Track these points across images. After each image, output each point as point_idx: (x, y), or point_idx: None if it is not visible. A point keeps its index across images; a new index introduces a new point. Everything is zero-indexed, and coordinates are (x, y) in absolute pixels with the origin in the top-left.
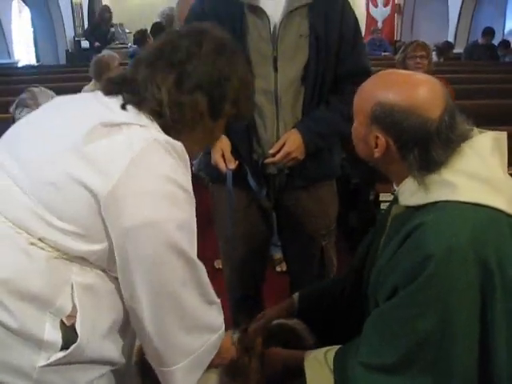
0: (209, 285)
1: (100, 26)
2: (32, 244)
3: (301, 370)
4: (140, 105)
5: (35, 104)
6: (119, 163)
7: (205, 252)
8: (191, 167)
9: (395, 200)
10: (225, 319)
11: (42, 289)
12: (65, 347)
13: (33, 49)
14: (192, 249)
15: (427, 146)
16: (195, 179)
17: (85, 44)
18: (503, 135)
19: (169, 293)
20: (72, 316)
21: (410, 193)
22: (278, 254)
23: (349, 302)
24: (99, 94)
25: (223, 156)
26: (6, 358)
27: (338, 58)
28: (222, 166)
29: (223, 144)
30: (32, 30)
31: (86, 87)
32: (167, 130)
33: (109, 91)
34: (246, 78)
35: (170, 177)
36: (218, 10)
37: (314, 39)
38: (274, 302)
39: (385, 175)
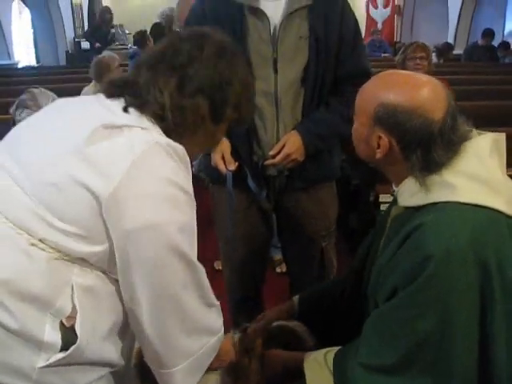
0: (209, 287)
1: (101, 27)
2: (33, 245)
3: (301, 372)
4: (142, 108)
5: (35, 105)
6: (120, 165)
7: (205, 253)
8: (191, 168)
9: (394, 201)
10: (224, 320)
11: (42, 290)
12: (64, 348)
13: (33, 50)
14: (193, 251)
15: (430, 147)
16: (195, 180)
17: (85, 45)
18: (502, 136)
19: (170, 295)
20: (72, 317)
21: (409, 193)
22: (278, 256)
23: (349, 304)
24: (101, 96)
25: (223, 157)
26: (5, 358)
27: (337, 59)
28: (222, 167)
29: (223, 145)
30: (32, 31)
31: (85, 88)
32: (169, 133)
33: (111, 94)
34: (247, 81)
35: (171, 179)
36: (218, 11)
37: (313, 41)
38: (274, 303)
39: (385, 176)
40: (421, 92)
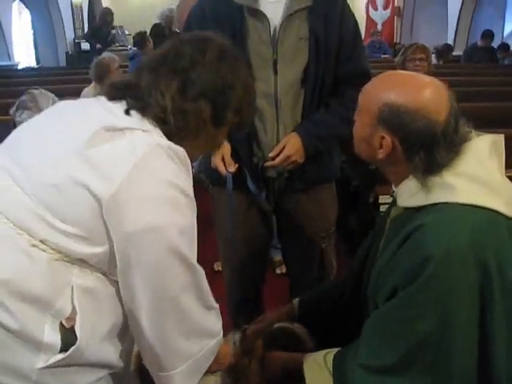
0: (208, 290)
1: (101, 28)
2: (33, 246)
3: (300, 373)
4: (144, 111)
5: (35, 106)
6: (122, 168)
7: (204, 254)
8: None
9: (394, 202)
10: (224, 322)
11: (42, 290)
12: (64, 349)
13: (33, 51)
14: (193, 254)
15: (432, 149)
16: (195, 181)
17: (85, 46)
18: (500, 138)
19: (169, 298)
20: (71, 318)
21: (409, 194)
22: (277, 257)
23: (348, 305)
24: (102, 98)
25: (223, 159)
26: (5, 359)
27: (337, 60)
28: (222, 169)
29: (223, 147)
30: (32, 32)
31: (85, 89)
32: (170, 136)
33: (112, 96)
34: (248, 85)
35: (172, 182)
36: (218, 12)
37: (313, 42)
38: (274, 304)
39: (384, 177)
40: (424, 93)
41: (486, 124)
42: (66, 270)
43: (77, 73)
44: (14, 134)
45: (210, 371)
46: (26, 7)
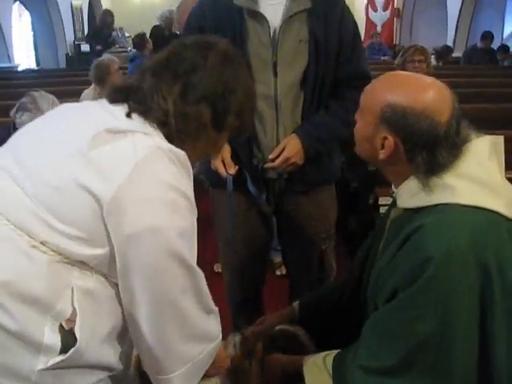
0: (208, 293)
1: (102, 30)
2: (34, 247)
3: (300, 376)
4: (146, 114)
5: (35, 108)
6: (122, 170)
7: (204, 255)
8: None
9: (393, 203)
10: (224, 323)
11: (42, 292)
12: (64, 351)
13: (33, 52)
14: (192, 257)
15: (435, 149)
16: (195, 182)
17: (84, 48)
18: (500, 139)
19: (169, 300)
20: (71, 320)
21: (409, 195)
22: (277, 258)
23: (348, 307)
24: (104, 101)
25: (223, 161)
26: (5, 360)
27: (337, 62)
28: (222, 171)
29: (223, 149)
30: (32, 33)
31: (85, 91)
32: (171, 139)
33: (114, 99)
34: (249, 90)
35: (172, 184)
36: (218, 14)
37: (313, 44)
38: (274, 305)
39: (384, 178)
40: (428, 94)
41: (485, 125)
42: (67, 272)
43: (77, 74)
44: (17, 135)
45: (207, 375)
46: (26, 9)
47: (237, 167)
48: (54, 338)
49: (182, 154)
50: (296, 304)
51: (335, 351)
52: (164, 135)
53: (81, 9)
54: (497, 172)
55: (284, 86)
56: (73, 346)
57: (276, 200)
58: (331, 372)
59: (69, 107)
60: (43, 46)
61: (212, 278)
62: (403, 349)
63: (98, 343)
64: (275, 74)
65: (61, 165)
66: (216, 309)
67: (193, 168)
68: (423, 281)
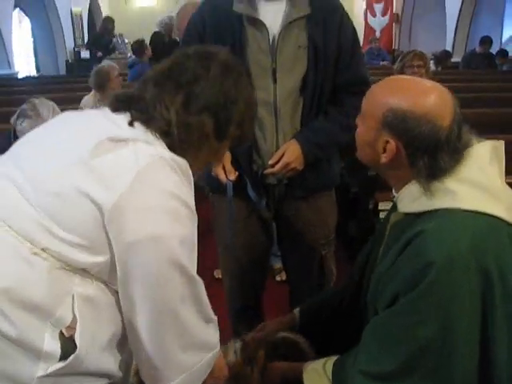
0: (207, 302)
1: (103, 36)
2: (35, 254)
3: (300, 382)
4: (148, 123)
5: (35, 115)
6: (124, 178)
7: (204, 261)
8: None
9: (394, 208)
10: (224, 329)
11: (43, 299)
12: (63, 358)
13: (33, 59)
14: (192, 265)
15: (436, 154)
16: (195, 189)
17: (84, 54)
18: (501, 144)
19: (169, 309)
20: (71, 327)
21: (410, 199)
22: (277, 264)
23: (348, 312)
24: (106, 110)
25: (223, 167)
26: (5, 367)
27: (336, 68)
28: (222, 177)
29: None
30: (32, 40)
31: (85, 97)
32: (173, 148)
33: (116, 108)
34: (250, 100)
35: (173, 193)
36: (217, 21)
37: (312, 50)
38: (274, 311)
39: (384, 183)
40: (429, 98)
41: (484, 130)
42: (67, 279)
43: (77, 81)
44: (18, 144)
45: None
46: (26, 15)
47: (237, 173)
48: (53, 345)
49: (183, 162)
50: (297, 311)
51: (335, 357)
52: (166, 145)
53: (81, 16)
54: (497, 177)
55: (283, 92)
56: (73, 352)
57: (276, 205)
58: (331, 378)
59: (70, 115)
60: (43, 53)
61: (212, 284)
62: (404, 353)
63: (97, 350)
64: (274, 81)
65: (62, 173)
66: (215, 318)
67: (194, 176)
68: (424, 286)
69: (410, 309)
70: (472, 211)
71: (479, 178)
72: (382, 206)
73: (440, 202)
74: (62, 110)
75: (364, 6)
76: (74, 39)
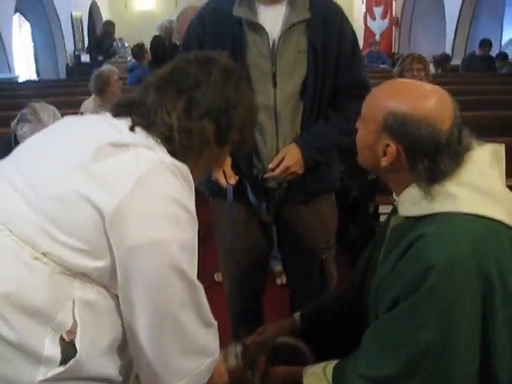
0: (207, 307)
1: (103, 40)
2: (36, 259)
3: None
4: (149, 128)
5: (36, 119)
6: (125, 183)
7: (205, 265)
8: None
9: (394, 211)
10: (225, 332)
11: (43, 303)
12: (63, 362)
13: (33, 63)
14: (193, 270)
15: (436, 157)
16: (196, 193)
17: (85, 58)
18: (501, 147)
19: (169, 314)
20: (72, 332)
21: (411, 203)
22: (278, 267)
23: (349, 316)
24: (108, 115)
25: (224, 171)
26: (5, 372)
27: (336, 72)
28: (222, 181)
29: None
30: (32, 44)
31: (85, 102)
32: (174, 153)
33: (117, 113)
34: (251, 105)
35: (174, 197)
36: (217, 25)
37: (312, 54)
38: (275, 314)
39: (384, 187)
40: (429, 101)
41: (483, 132)
42: (68, 284)
43: (77, 85)
44: (19, 149)
45: None
46: (27, 20)
47: (237, 177)
48: (54, 350)
49: (184, 168)
50: (297, 315)
51: (335, 361)
52: (167, 150)
53: (81, 20)
54: (498, 180)
55: (283, 96)
56: (73, 357)
57: (276, 209)
58: (331, 382)
59: (70, 120)
60: (43, 57)
61: (212, 288)
62: (404, 357)
63: (98, 355)
64: (274, 85)
65: (62, 177)
66: (215, 323)
67: (195, 181)
68: (425, 289)
69: (410, 312)
70: (472, 215)
71: (479, 182)
72: (382, 209)
73: (440, 205)
74: (63, 114)
75: (364, 10)
76: (75, 43)
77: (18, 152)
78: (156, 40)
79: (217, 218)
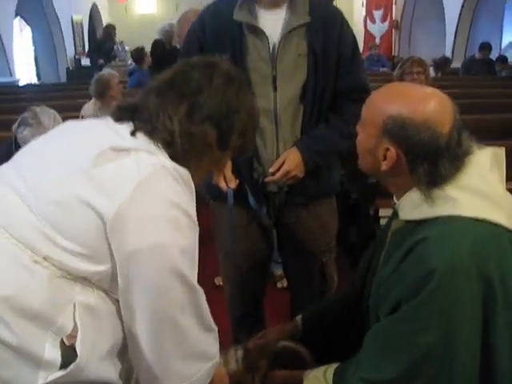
0: (207, 311)
1: (105, 43)
2: (36, 262)
3: None
4: (151, 133)
5: (37, 123)
6: (126, 187)
7: (205, 269)
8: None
9: (395, 215)
10: (225, 337)
11: (42, 306)
12: (64, 366)
13: (34, 67)
14: (193, 275)
15: (437, 161)
16: (196, 196)
17: (85, 62)
18: (501, 150)
19: (169, 318)
20: (72, 336)
21: (412, 206)
22: (278, 271)
23: (350, 319)
24: (109, 119)
25: (224, 175)
26: (5, 376)
27: (336, 75)
28: (222, 185)
29: None
30: (33, 48)
31: (86, 105)
32: (176, 158)
33: (118, 117)
34: (252, 110)
35: (174, 202)
36: (218, 29)
37: (312, 58)
38: (275, 318)
39: (385, 190)
40: (429, 105)
41: (483, 136)
42: (68, 288)
43: (77, 88)
44: (20, 154)
45: None
46: (27, 24)
47: (237, 181)
48: (54, 353)
49: (185, 172)
50: (299, 318)
51: (335, 364)
52: (169, 155)
53: (81, 23)
54: (498, 184)
55: (284, 100)
56: (73, 361)
57: (276, 213)
58: None
59: (71, 125)
60: (44, 61)
61: (212, 292)
62: (406, 361)
63: (98, 359)
64: (275, 89)
65: (62, 182)
66: (215, 327)
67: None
68: (427, 293)
69: (412, 316)
70: (473, 218)
71: (480, 186)
72: (382, 212)
73: (441, 209)
74: (63, 118)
75: (363, 13)
76: (75, 47)
77: (18, 157)
78: (156, 44)
79: (217, 222)
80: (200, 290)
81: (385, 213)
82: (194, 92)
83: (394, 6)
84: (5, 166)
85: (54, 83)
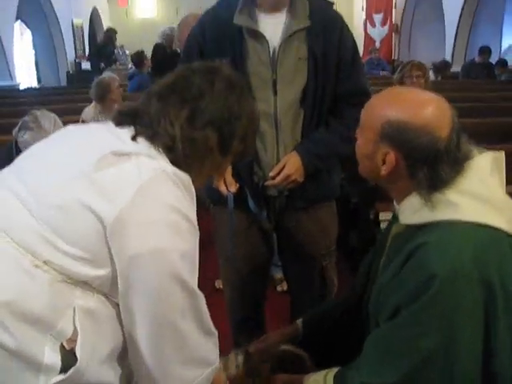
0: (208, 316)
1: (105, 47)
2: (36, 266)
3: None
4: (152, 138)
5: (37, 127)
6: (126, 192)
7: (205, 272)
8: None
9: (395, 219)
10: (225, 340)
11: (44, 311)
12: (64, 370)
13: (34, 71)
14: (193, 279)
15: (436, 165)
16: (196, 200)
17: (85, 66)
18: (501, 154)
19: (169, 322)
20: (72, 340)
21: (412, 211)
22: (279, 274)
23: (350, 323)
24: (110, 124)
25: (224, 179)
26: (5, 380)
27: (336, 79)
28: (223, 189)
29: None
30: (33, 52)
31: (86, 109)
32: (177, 163)
33: (119, 122)
34: (253, 115)
35: (174, 206)
36: (218, 33)
37: (312, 62)
38: (276, 322)
39: (385, 194)
40: (427, 109)
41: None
42: (69, 292)
43: (77, 92)
44: (21, 158)
45: None
46: (28, 28)
47: (237, 185)
48: (54, 358)
49: (186, 177)
50: (299, 321)
51: (336, 369)
52: (170, 160)
53: (82, 27)
54: (498, 188)
55: (284, 103)
56: (73, 365)
57: (276, 217)
58: None
59: (72, 130)
60: (44, 65)
61: (213, 295)
62: (406, 366)
63: (98, 363)
64: (275, 93)
65: (64, 186)
66: (215, 332)
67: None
68: (428, 298)
69: (412, 321)
70: (473, 223)
71: (480, 190)
72: (382, 216)
73: (441, 214)
74: (64, 122)
75: (363, 17)
76: (75, 51)
77: (19, 161)
78: (157, 48)
79: (217, 226)
80: (200, 295)
81: (385, 217)
82: (196, 97)
83: (393, 10)
84: (6, 170)
85: (54, 87)
